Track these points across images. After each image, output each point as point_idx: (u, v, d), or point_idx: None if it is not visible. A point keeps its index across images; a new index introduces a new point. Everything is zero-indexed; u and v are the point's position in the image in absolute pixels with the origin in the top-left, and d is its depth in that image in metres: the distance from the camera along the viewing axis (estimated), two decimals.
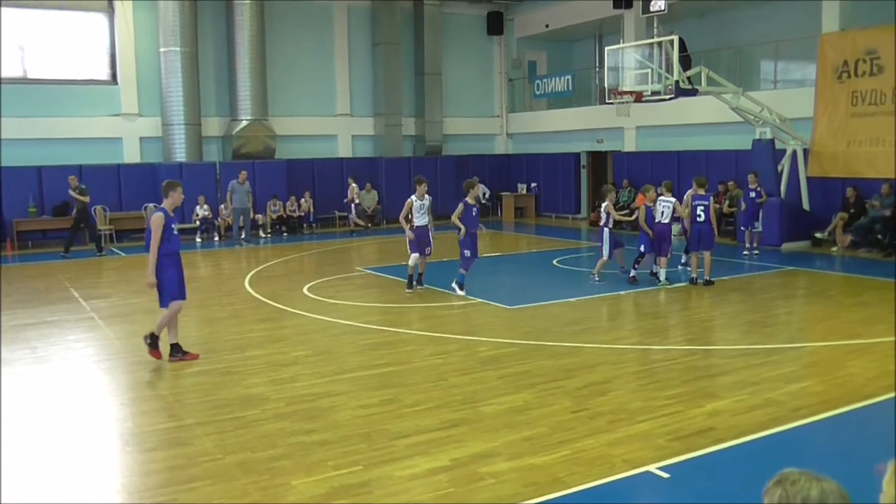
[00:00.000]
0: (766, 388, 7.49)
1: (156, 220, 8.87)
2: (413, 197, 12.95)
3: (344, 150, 26.03)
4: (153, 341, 9.02)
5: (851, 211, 17.20)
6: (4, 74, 21.28)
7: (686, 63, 17.35)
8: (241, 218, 21.15)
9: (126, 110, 22.69)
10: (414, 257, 12.99)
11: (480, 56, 28.63)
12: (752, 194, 17.00)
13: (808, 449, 6.23)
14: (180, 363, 8.94)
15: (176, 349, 9.09)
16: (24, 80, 21.66)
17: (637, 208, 22.19)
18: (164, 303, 9.02)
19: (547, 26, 26.94)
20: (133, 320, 11.51)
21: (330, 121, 25.70)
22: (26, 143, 21.06)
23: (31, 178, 20.76)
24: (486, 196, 26.95)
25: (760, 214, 17.11)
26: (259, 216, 22.49)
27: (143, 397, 7.75)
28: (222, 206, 21.95)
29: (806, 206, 18.11)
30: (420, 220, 12.98)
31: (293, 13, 24.72)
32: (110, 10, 22.59)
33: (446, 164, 26.55)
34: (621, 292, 12.83)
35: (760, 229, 16.76)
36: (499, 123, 29.13)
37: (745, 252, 16.87)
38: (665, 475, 5.53)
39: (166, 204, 9.13)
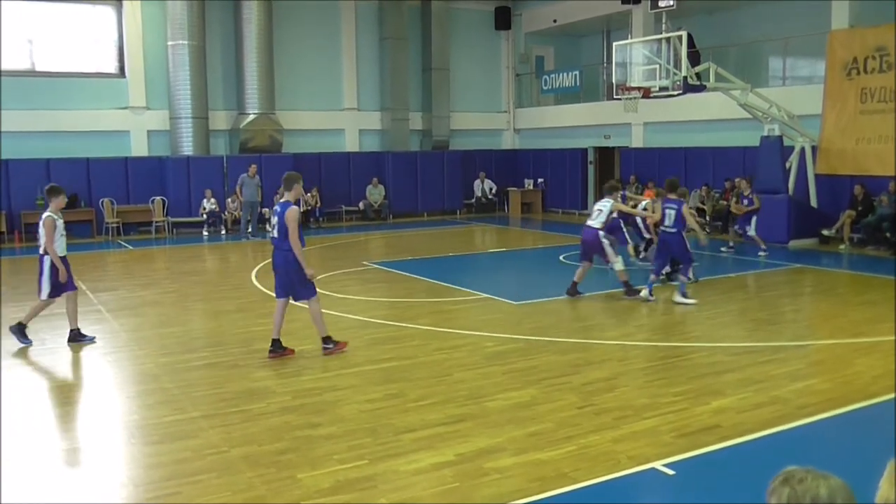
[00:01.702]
0: (771, 385, 7.48)
1: (292, 214, 8.66)
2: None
3: (351, 144, 26.04)
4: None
5: (859, 209, 17.13)
6: (13, 67, 21.35)
7: (694, 59, 17.28)
8: (250, 211, 21.23)
9: (134, 103, 22.73)
10: None
11: (488, 51, 28.58)
12: (745, 202, 16.66)
13: (813, 447, 6.22)
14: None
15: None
16: (32, 73, 21.71)
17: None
18: None
19: (555, 21, 26.88)
20: (140, 313, 11.56)
21: (337, 115, 25.70)
22: (34, 136, 21.11)
23: (39, 170, 20.79)
24: (493, 191, 26.95)
25: (753, 220, 16.53)
26: (266, 210, 22.50)
27: (149, 390, 7.77)
28: (230, 199, 21.98)
29: (814, 203, 18.04)
30: None
31: (301, 7, 24.71)
32: (118, 3, 22.60)
33: (453, 159, 26.54)
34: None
35: (754, 233, 16.34)
36: (506, 119, 29.10)
37: (722, 248, 16.79)
38: (670, 472, 5.53)
39: (290, 196, 8.92)
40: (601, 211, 11.85)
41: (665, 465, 5.61)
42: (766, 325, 10.30)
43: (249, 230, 21.26)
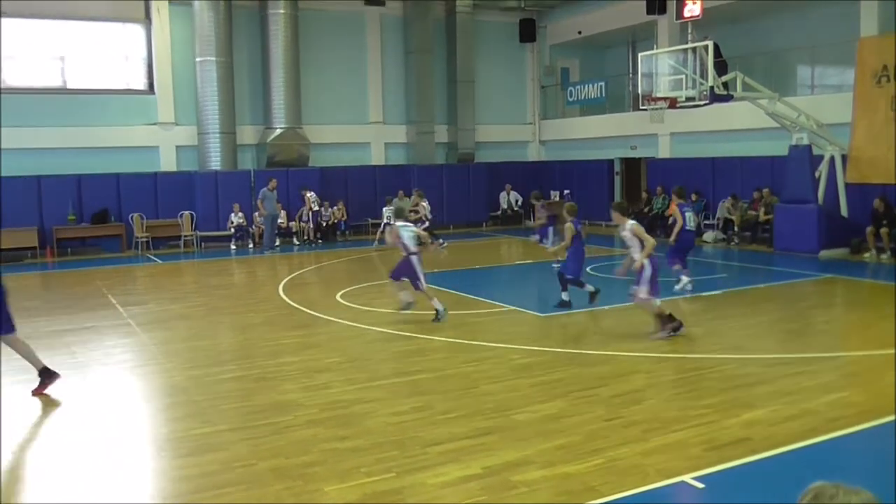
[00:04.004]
0: (803, 397, 7.38)
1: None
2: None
3: (377, 157, 26.17)
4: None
5: (884, 222, 16.74)
6: (45, 84, 21.74)
7: (721, 68, 17.17)
8: (271, 225, 21.60)
9: (163, 119, 23.01)
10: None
11: (513, 63, 28.62)
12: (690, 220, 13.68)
13: (845, 460, 6.12)
14: None
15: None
16: (63, 91, 22.07)
17: (671, 215, 22.03)
18: None
19: (580, 33, 26.87)
20: (169, 327, 11.66)
21: (363, 129, 25.85)
22: (66, 152, 21.45)
23: (71, 186, 21.12)
24: (519, 203, 26.92)
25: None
26: (293, 224, 22.68)
27: (177, 403, 7.83)
28: (256, 213, 22.18)
29: (844, 212, 17.83)
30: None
31: (327, 22, 24.92)
32: (148, 21, 22.93)
33: (478, 172, 26.57)
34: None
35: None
36: (531, 130, 29.08)
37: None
38: (700, 485, 5.47)
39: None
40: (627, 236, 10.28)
41: (695, 479, 5.55)
42: (797, 336, 10.17)
43: (277, 244, 21.54)
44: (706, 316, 11.50)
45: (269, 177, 21.93)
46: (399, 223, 11.50)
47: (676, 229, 13.48)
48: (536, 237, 17.23)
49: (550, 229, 16.11)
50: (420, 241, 11.71)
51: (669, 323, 9.94)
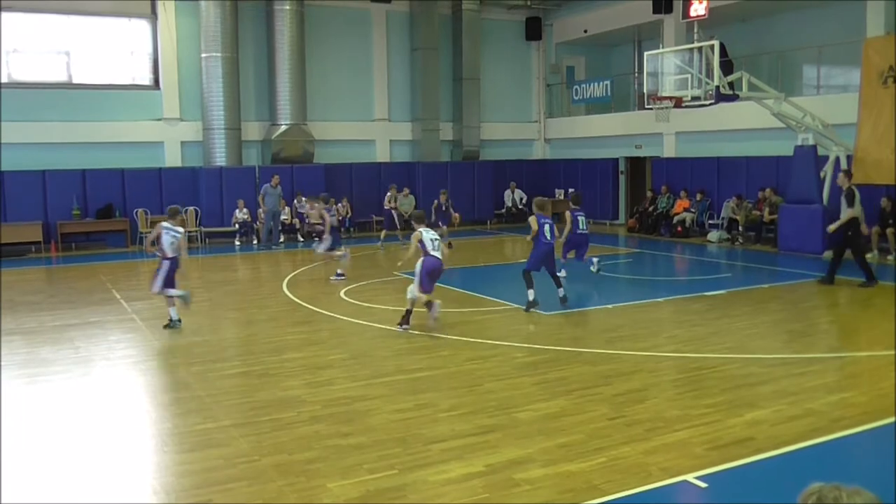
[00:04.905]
0: (806, 398, 7.37)
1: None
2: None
3: (382, 154, 26.16)
4: None
5: (891, 221, 16.72)
6: (50, 79, 21.78)
7: (727, 68, 17.12)
8: (272, 221, 21.74)
9: (168, 115, 23.03)
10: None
11: (518, 61, 28.60)
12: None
13: (849, 460, 6.12)
14: None
15: None
16: (69, 85, 22.08)
17: (676, 214, 22.03)
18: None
19: (585, 31, 26.82)
20: None
21: (368, 126, 25.85)
22: (71, 147, 21.46)
23: (76, 181, 21.15)
24: (523, 201, 26.90)
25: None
26: (296, 220, 22.69)
27: (181, 398, 7.84)
28: (260, 209, 22.20)
29: None
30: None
31: (332, 19, 24.92)
32: (153, 16, 22.95)
33: (483, 170, 26.55)
34: (659, 299, 12.72)
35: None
36: (537, 129, 29.06)
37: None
38: (703, 485, 5.47)
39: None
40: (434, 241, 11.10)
41: (697, 478, 5.55)
42: (801, 336, 10.16)
43: (282, 241, 21.62)
44: (710, 315, 11.48)
45: (273, 173, 21.97)
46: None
47: (566, 230, 14.24)
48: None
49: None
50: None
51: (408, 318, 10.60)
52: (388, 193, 21.51)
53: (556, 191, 27.44)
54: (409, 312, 10.70)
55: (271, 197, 21.46)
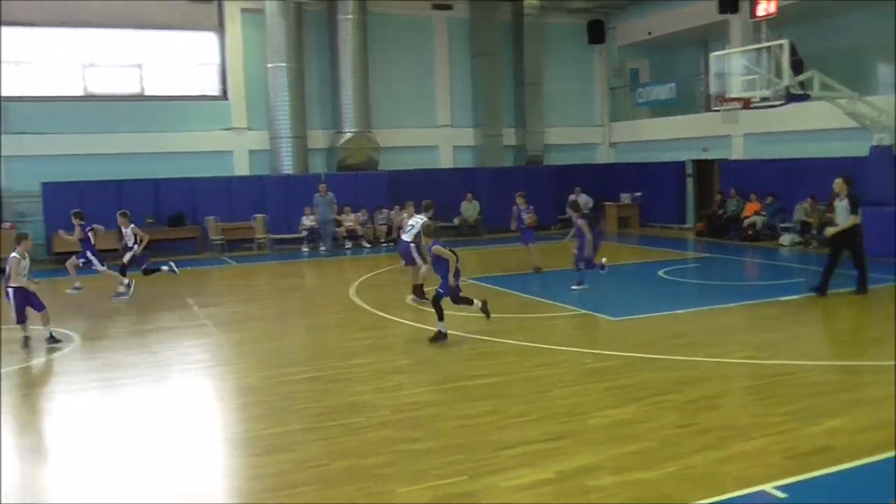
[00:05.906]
0: (887, 406, 7.11)
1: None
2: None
3: (445, 160, 26.26)
4: None
5: None
6: (124, 92, 22.46)
7: (797, 67, 16.70)
8: (325, 228, 22.07)
9: (236, 124, 23.52)
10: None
11: (581, 65, 28.40)
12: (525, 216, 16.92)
13: None
14: None
15: None
16: (141, 98, 22.74)
17: (746, 217, 21.54)
18: None
19: (650, 34, 26.50)
20: (243, 328, 11.88)
21: (431, 132, 25.97)
22: (144, 157, 22.07)
23: (149, 190, 21.74)
24: (589, 206, 26.64)
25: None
26: (359, 227, 22.90)
27: (252, 402, 7.97)
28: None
29: None
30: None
31: (394, 27, 25.13)
32: (221, 28, 23.48)
33: (548, 174, 26.41)
34: (729, 304, 12.45)
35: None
36: (601, 132, 28.81)
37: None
38: (782, 495, 5.31)
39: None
40: (413, 226, 12.81)
41: (775, 488, 5.40)
42: (879, 343, 9.82)
43: (348, 247, 21.97)
44: (784, 321, 11.20)
45: (342, 180, 22.38)
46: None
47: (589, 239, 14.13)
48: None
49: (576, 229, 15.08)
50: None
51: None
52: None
53: (622, 195, 27.15)
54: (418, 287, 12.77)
55: (322, 206, 21.75)
